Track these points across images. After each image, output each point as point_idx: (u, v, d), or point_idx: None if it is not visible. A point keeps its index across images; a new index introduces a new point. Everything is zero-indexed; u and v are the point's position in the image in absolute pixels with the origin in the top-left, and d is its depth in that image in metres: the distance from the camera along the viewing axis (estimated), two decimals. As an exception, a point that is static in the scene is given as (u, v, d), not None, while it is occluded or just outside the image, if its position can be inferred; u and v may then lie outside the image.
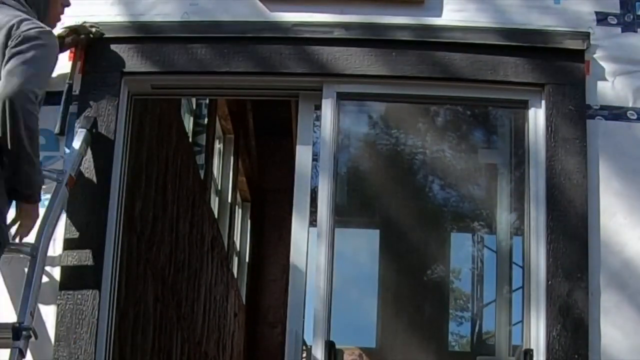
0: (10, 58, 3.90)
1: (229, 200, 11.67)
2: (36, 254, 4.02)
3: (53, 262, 4.37)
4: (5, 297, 4.24)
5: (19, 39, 3.94)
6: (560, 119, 4.53)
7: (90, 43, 4.62)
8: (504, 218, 5.33)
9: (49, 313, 4.33)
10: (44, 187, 4.26)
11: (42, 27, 4.03)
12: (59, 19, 4.40)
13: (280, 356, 4.56)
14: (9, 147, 3.80)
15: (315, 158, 4.69)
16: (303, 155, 4.65)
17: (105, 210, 4.47)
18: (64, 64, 4.64)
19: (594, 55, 4.63)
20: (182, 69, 4.66)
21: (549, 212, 4.43)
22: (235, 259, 13.01)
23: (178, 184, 8.05)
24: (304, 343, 4.42)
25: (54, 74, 4.51)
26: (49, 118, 4.51)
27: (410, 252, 5.98)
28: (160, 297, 7.49)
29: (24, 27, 3.98)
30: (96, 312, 4.33)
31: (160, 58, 4.64)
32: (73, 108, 4.58)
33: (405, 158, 6.21)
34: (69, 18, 4.70)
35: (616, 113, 4.56)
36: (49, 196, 4.24)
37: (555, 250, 4.38)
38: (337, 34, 4.66)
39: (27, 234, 4.03)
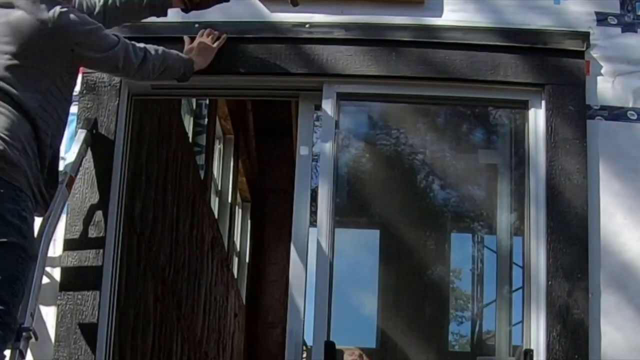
0: None
1: (229, 200, 11.67)
2: (36, 255, 4.02)
3: (53, 263, 4.37)
4: (6, 297, 4.25)
5: None
6: (560, 119, 4.53)
7: None
8: (504, 218, 5.33)
9: (49, 314, 4.33)
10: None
11: None
12: None
13: (280, 356, 4.56)
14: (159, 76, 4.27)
15: (315, 158, 4.69)
16: (303, 155, 4.65)
17: (105, 211, 4.47)
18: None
19: (594, 56, 4.63)
20: (182, 69, 4.65)
21: (549, 213, 4.43)
22: (236, 259, 13.01)
23: (178, 184, 8.05)
24: (304, 343, 4.42)
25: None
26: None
27: (410, 252, 5.97)
28: (160, 297, 7.49)
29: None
30: (96, 313, 4.34)
31: (160, 58, 4.63)
32: (73, 108, 4.58)
33: (405, 158, 6.21)
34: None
35: (616, 113, 4.57)
36: (49, 196, 4.24)
37: (555, 250, 4.38)
38: (337, 34, 4.66)
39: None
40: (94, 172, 4.49)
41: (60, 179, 4.26)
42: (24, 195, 3.70)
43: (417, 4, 4.71)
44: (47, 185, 3.88)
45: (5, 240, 3.58)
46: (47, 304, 4.32)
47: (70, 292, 4.35)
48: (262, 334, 13.60)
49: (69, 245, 4.41)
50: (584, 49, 4.62)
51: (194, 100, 9.60)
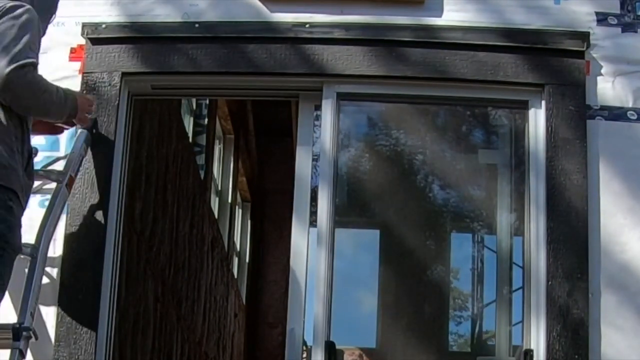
0: None
1: (229, 200, 11.68)
2: (36, 255, 4.02)
3: (53, 263, 4.37)
4: (6, 297, 4.24)
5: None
6: (560, 120, 4.53)
7: None
8: (504, 218, 5.33)
9: (49, 314, 4.33)
10: (45, 187, 4.27)
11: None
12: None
13: (280, 356, 4.56)
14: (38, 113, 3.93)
15: (315, 158, 4.69)
16: (303, 155, 4.65)
17: (105, 210, 4.47)
18: (63, 63, 4.65)
19: (594, 56, 4.63)
20: (182, 70, 4.66)
21: (549, 213, 4.43)
22: (236, 259, 13.02)
23: (178, 184, 8.06)
24: (304, 343, 4.42)
25: (56, 74, 4.51)
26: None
27: (410, 252, 5.97)
28: (160, 297, 7.49)
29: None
30: (96, 313, 4.34)
31: (160, 58, 4.64)
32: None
33: (405, 158, 6.20)
34: (69, 19, 4.70)
35: (616, 113, 4.56)
36: (49, 197, 4.24)
37: (555, 250, 4.38)
38: (337, 34, 4.66)
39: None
40: (94, 172, 4.49)
41: (60, 179, 4.27)
42: (12, 191, 3.69)
43: (417, 4, 4.71)
44: (26, 183, 3.88)
45: None
46: (47, 304, 4.32)
47: (71, 292, 4.35)
48: (262, 334, 13.60)
49: (69, 245, 4.41)
50: (584, 49, 4.62)
51: (194, 100, 9.60)
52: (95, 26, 4.68)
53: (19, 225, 3.77)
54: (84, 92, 4.60)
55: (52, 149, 4.53)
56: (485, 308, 6.03)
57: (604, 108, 4.57)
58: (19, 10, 3.80)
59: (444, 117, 5.86)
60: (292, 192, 4.61)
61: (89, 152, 4.49)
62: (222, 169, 11.59)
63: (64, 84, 4.57)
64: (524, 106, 4.67)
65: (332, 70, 4.63)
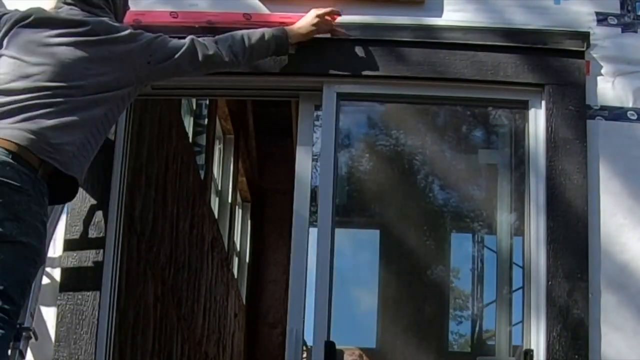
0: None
1: (229, 200, 11.67)
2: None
3: (53, 263, 4.37)
4: (6, 297, 4.26)
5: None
6: (560, 120, 4.53)
7: None
8: (504, 218, 5.33)
9: (49, 314, 4.33)
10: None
11: None
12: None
13: (281, 356, 4.56)
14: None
15: (315, 158, 4.69)
16: (303, 155, 4.65)
17: (106, 211, 4.47)
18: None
19: (594, 56, 4.63)
20: (182, 70, 4.64)
21: (549, 213, 4.43)
22: (236, 259, 13.01)
23: (178, 184, 8.05)
24: (304, 343, 4.42)
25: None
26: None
27: (411, 252, 5.97)
28: (160, 297, 7.49)
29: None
30: (96, 313, 4.34)
31: (160, 58, 4.63)
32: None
33: (405, 158, 6.21)
34: (69, 18, 4.69)
35: (616, 113, 4.57)
36: (49, 197, 4.24)
37: (555, 250, 4.38)
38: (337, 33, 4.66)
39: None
40: (94, 172, 4.48)
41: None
42: (46, 198, 3.72)
43: (417, 4, 4.71)
44: None
45: (26, 241, 3.57)
46: (47, 304, 4.32)
47: (70, 292, 4.35)
48: (262, 334, 13.60)
49: (69, 245, 4.41)
50: (584, 49, 4.62)
51: (194, 100, 9.60)
52: (95, 26, 4.67)
53: (46, 237, 3.80)
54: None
55: (52, 149, 4.52)
56: (485, 308, 6.04)
57: (604, 108, 4.57)
58: (124, 28, 4.04)
59: (444, 117, 5.86)
60: (292, 192, 4.61)
61: (89, 152, 4.48)
62: (222, 169, 11.58)
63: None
64: (524, 106, 4.67)
65: (332, 70, 4.63)
